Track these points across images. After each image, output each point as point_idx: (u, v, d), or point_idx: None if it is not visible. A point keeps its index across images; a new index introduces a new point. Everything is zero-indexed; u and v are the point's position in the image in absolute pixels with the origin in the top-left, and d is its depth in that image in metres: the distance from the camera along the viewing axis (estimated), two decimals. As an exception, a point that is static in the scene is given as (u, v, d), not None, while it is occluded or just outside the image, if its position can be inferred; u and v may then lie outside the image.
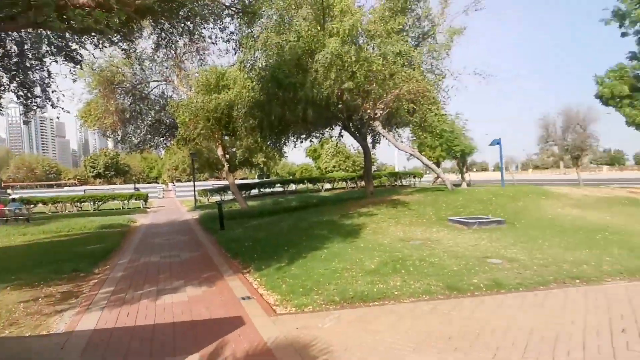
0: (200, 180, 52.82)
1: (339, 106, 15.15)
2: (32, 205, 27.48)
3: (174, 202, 38.13)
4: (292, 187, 36.92)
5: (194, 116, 19.12)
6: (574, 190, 17.21)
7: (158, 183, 65.31)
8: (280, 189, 37.16)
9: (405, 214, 13.65)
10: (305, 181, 37.55)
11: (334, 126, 19.54)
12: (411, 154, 18.13)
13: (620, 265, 7.00)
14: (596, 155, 72.11)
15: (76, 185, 65.26)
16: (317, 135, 20.63)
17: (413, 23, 17.50)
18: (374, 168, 68.78)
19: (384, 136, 16.71)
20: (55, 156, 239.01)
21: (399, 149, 17.91)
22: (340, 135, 22.10)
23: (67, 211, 27.52)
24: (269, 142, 19.37)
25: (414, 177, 39.55)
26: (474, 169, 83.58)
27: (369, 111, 15.02)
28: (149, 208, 29.38)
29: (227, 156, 23.09)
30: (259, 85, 15.36)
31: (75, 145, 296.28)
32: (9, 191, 50.60)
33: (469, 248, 8.85)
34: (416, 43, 17.89)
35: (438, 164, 47.93)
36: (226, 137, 23.75)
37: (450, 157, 45.21)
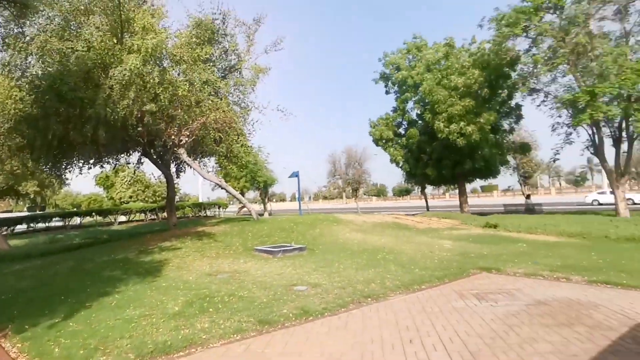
0: None
1: (139, 129, 13.60)
2: None
3: None
4: (77, 220, 30.98)
5: None
6: (357, 218, 19.99)
7: None
8: (60, 224, 30.61)
9: (212, 246, 13.05)
10: (94, 213, 32.07)
11: (132, 151, 17.44)
12: (217, 184, 17.75)
13: (398, 281, 8.24)
14: (368, 188, 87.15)
15: None
16: (111, 160, 18.00)
17: (220, 55, 17.58)
18: (177, 198, 65.05)
19: (189, 165, 15.82)
20: None
21: (204, 178, 17.27)
22: (140, 162, 19.98)
23: None
24: (43, 166, 15.74)
25: (219, 207, 39.02)
26: (274, 199, 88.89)
27: (173, 137, 13.99)
28: None
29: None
30: (32, 97, 12.44)
31: None
32: None
33: (275, 277, 8.95)
34: (223, 75, 17.97)
35: (242, 194, 49.01)
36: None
37: (254, 187, 46.82)
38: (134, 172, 20.01)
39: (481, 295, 7.00)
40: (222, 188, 17.01)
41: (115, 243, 15.96)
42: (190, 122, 14.00)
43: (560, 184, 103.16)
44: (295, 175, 28.09)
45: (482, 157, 22.36)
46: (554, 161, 22.01)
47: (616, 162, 19.43)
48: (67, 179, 18.03)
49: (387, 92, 27.37)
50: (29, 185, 45.51)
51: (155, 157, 18.50)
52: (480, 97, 21.13)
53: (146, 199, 66.12)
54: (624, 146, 19.33)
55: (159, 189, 69.43)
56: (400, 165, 24.38)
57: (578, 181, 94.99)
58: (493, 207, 35.57)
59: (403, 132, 25.20)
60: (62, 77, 11.67)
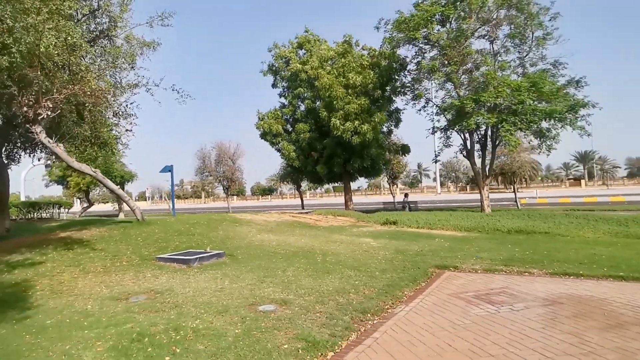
0: None
1: None
2: None
3: None
4: None
5: None
6: (255, 217, 18.10)
7: None
8: None
9: (92, 257, 9.67)
10: None
11: None
12: (94, 177, 13.56)
13: (374, 288, 7.09)
14: (240, 186, 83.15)
15: None
16: None
17: (87, 15, 13.56)
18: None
19: (48, 148, 11.49)
20: None
21: (73, 168, 12.97)
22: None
23: None
24: None
25: (60, 207, 31.53)
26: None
27: (26, 110, 9.82)
28: None
29: None
30: None
31: None
32: None
33: (218, 295, 6.77)
34: (90, 40, 13.90)
35: (87, 192, 41.01)
36: None
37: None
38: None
39: (484, 298, 6.33)
40: (98, 181, 13.02)
41: None
42: (54, 90, 10.15)
43: (397, 185, 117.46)
44: (168, 169, 24.51)
45: (370, 156, 22.91)
46: (435, 162, 24.04)
47: (482, 165, 22.14)
48: None
49: (274, 86, 25.95)
50: None
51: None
52: (373, 97, 21.56)
53: None
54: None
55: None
56: (290, 161, 23.22)
57: (413, 183, 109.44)
58: (371, 205, 37.64)
59: (292, 127, 24.14)
60: None
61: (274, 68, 25.25)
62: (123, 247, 10.76)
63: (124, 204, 41.40)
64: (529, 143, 20.44)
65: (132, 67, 13.90)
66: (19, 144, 16.35)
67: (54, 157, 19.64)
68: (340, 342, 4.75)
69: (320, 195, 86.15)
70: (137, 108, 13.41)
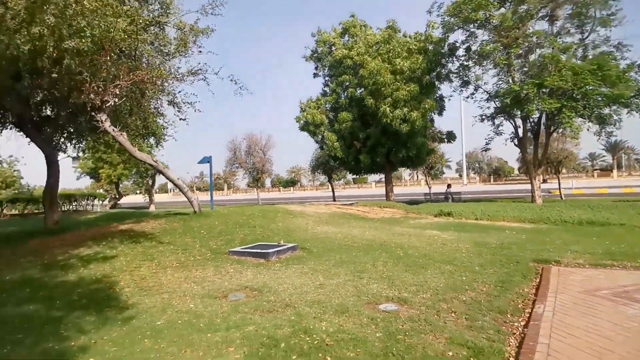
0: None
1: (54, 75, 8.57)
2: None
3: None
4: None
5: None
6: (304, 209, 17.51)
7: None
8: None
9: (162, 251, 9.20)
10: None
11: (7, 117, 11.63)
12: (155, 168, 13.07)
13: (488, 285, 6.37)
14: (272, 177, 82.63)
15: None
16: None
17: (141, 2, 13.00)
18: (11, 190, 52.03)
19: (113, 137, 11.00)
20: None
21: (135, 157, 12.51)
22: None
23: None
24: None
25: (95, 198, 31.60)
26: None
27: (92, 96, 9.34)
28: None
29: None
30: None
31: None
32: None
33: (323, 292, 6.17)
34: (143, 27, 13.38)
35: (117, 184, 41.22)
36: None
37: (135, 176, 39.69)
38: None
39: (627, 296, 5.59)
40: (159, 172, 12.53)
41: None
42: (120, 76, 9.65)
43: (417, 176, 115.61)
44: (207, 160, 24.05)
45: (415, 145, 22.02)
46: (486, 150, 23.02)
47: (534, 154, 21.02)
48: None
49: (315, 75, 25.20)
50: None
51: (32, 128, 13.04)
52: (422, 83, 20.60)
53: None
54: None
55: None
56: (333, 151, 22.46)
57: (436, 174, 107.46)
58: (411, 196, 36.73)
59: (334, 116, 23.34)
60: None
61: (316, 54, 24.42)
62: (189, 240, 10.28)
63: (154, 196, 41.55)
64: (587, 130, 19.21)
65: (185, 55, 13.29)
66: (65, 135, 16.07)
67: (84, 149, 19.39)
68: (504, 348, 4.09)
69: (342, 187, 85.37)
70: (194, 96, 12.76)
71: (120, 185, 40.88)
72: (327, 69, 24.10)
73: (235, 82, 13.07)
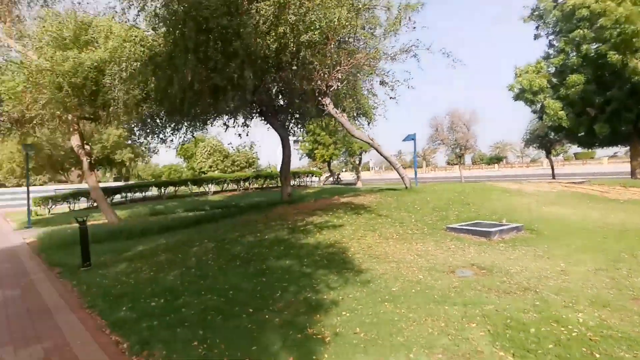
0: (36, 185, 40.62)
1: (294, 68, 10.24)
2: None
3: (-6, 215, 27.23)
4: (170, 190, 29.81)
5: (34, 84, 12.06)
6: (523, 186, 15.67)
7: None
8: (153, 194, 29.80)
9: (381, 223, 9.72)
10: (189, 183, 30.77)
11: (249, 108, 14.39)
12: (371, 145, 14.07)
13: None
14: (476, 153, 78.80)
15: None
16: (228, 116, 15.26)
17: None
18: (251, 169, 63.91)
19: (334, 118, 12.42)
20: None
21: (354, 136, 13.91)
22: (246, 124, 17.12)
23: None
24: (171, 122, 13.43)
25: (313, 175, 36.23)
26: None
27: (319, 82, 10.59)
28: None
29: (88, 147, 15.91)
30: (162, 29, 9.59)
31: None
32: None
33: (570, 280, 5.33)
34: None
35: (329, 163, 46.05)
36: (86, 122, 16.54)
37: (344, 155, 43.56)
38: (246, 134, 17.12)
39: None
40: (374, 149, 13.44)
41: (235, 218, 13.34)
42: (341, 61, 10.50)
43: None
44: (412, 138, 23.89)
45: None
46: None
47: None
48: (191, 138, 15.70)
49: (536, 37, 21.85)
50: (125, 153, 46.33)
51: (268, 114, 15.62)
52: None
53: (225, 168, 66.42)
54: None
55: (237, 158, 69.52)
56: (557, 120, 19.19)
57: None
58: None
59: (559, 81, 19.79)
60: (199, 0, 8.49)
61: (537, 12, 21.10)
62: (404, 214, 10.55)
63: (361, 173, 44.61)
64: None
65: (396, 34, 13.37)
66: (293, 121, 18.71)
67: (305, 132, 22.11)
68: None
69: (561, 164, 72.93)
70: (407, 73, 12.77)
71: (332, 164, 45.66)
72: (551, 26, 20.47)
73: (448, 55, 12.50)
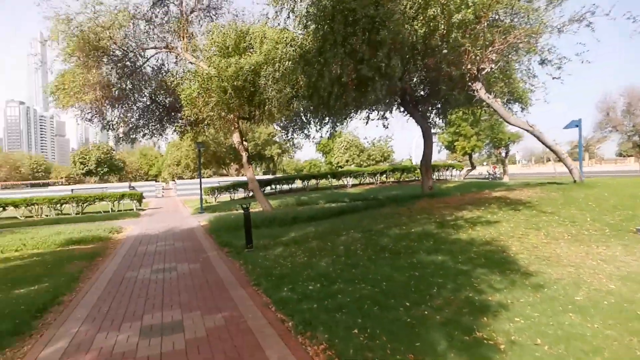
0: (204, 177, 47.70)
1: (445, 52, 9.72)
2: (0, 209, 22.40)
3: (174, 201, 32.95)
4: (312, 182, 31.65)
5: (205, 89, 14.01)
6: None
7: (157, 181, 60.07)
8: (297, 186, 32.18)
9: (546, 221, 8.46)
10: (329, 176, 32.28)
11: (390, 99, 14.14)
12: (531, 133, 12.56)
13: None
14: None
15: (63, 184, 59.54)
16: (370, 108, 15.35)
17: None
18: (386, 163, 63.42)
19: (488, 105, 11.41)
20: (54, 156, 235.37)
21: (510, 123, 12.66)
22: (384, 117, 16.85)
23: (43, 215, 22.39)
24: (317, 117, 14.28)
25: (453, 169, 34.24)
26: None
27: (469, 66, 9.76)
28: (143, 210, 24.24)
29: (246, 143, 17.86)
30: (310, 28, 10.10)
31: (75, 144, 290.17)
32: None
33: None
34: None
35: (471, 156, 42.84)
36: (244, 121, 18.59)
37: (489, 146, 40.05)
38: (385, 127, 16.93)
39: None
40: (535, 137, 11.94)
41: (379, 210, 13.29)
42: (495, 40, 9.45)
43: None
44: (576, 125, 20.44)
45: None
46: None
47: None
48: (331, 133, 16.39)
49: None
50: (273, 149, 51.30)
51: (412, 103, 15.09)
52: None
53: (360, 162, 67.61)
54: None
55: (372, 152, 70.12)
56: None
57: None
58: None
59: None
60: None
61: None
62: (575, 212, 9.01)
63: (507, 167, 40.40)
64: None
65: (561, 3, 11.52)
66: (434, 111, 17.80)
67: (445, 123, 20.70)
68: None
69: None
70: (581, 45, 10.86)
71: (475, 155, 42.36)
72: None
73: (634, 20, 10.22)
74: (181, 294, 5.86)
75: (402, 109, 16.57)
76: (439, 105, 17.04)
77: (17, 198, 23.10)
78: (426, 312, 4.36)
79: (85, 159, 67.41)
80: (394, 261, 6.60)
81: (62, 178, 71.45)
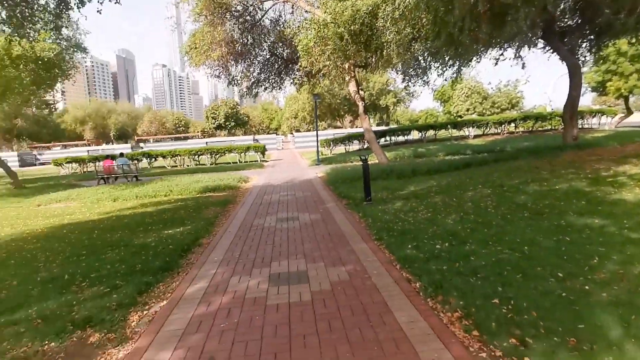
0: (319, 130, 48.97)
1: None
2: (153, 159, 26.26)
3: (292, 154, 34.60)
4: (429, 134, 29.95)
5: (320, 37, 13.73)
6: None
7: (277, 134, 63.76)
8: (413, 138, 30.84)
9: None
10: (449, 127, 30.16)
11: (537, 29, 12.02)
12: None
13: None
14: None
15: (199, 137, 67.03)
16: (503, 45, 13.43)
17: None
18: (513, 110, 56.58)
19: None
20: (191, 112, 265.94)
21: None
22: (519, 56, 14.47)
23: (185, 165, 25.56)
24: (439, 60, 13.16)
25: (602, 115, 28.94)
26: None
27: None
28: (266, 161, 25.92)
29: (362, 93, 17.39)
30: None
31: (207, 101, 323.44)
32: (141, 144, 53.56)
33: None
34: None
35: (627, 99, 35.59)
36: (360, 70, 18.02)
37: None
38: (521, 66, 14.71)
39: None
40: None
41: (510, 163, 11.85)
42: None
43: None
44: None
45: None
46: None
47: None
48: (456, 75, 15.04)
49: None
50: (388, 98, 49.90)
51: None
52: None
53: (483, 111, 61.74)
54: None
55: (498, 99, 63.33)
56: None
57: None
58: None
59: None
60: None
61: None
62: None
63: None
64: None
65: None
66: (584, 44, 14.76)
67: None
68: None
69: None
70: None
71: (631, 99, 35.08)
72: None
73: None
74: (304, 243, 5.97)
75: (543, 43, 14.13)
76: (592, 36, 14.07)
77: (165, 150, 26.71)
78: (586, 287, 3.61)
79: (215, 114, 74.58)
80: (535, 222, 5.72)
81: (198, 132, 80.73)
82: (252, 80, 20.66)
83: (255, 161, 25.18)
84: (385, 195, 9.08)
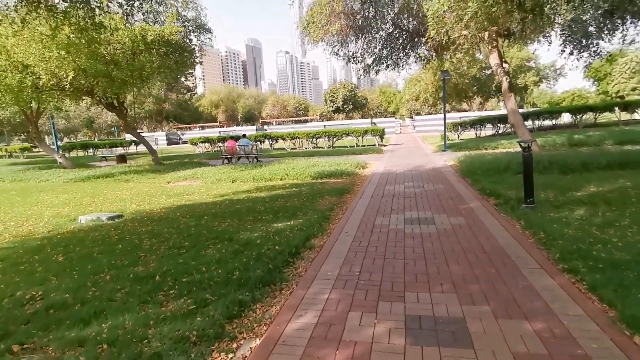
0: (440, 113, 45.07)
1: None
2: (274, 141, 26.69)
3: (413, 138, 32.00)
4: (587, 117, 24.58)
5: (457, 1, 11.40)
6: None
7: (395, 118, 61.01)
8: (562, 122, 25.76)
9: None
10: (616, 109, 24.36)
11: None
12: None
13: None
14: None
15: (317, 120, 67.77)
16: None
17: None
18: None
19: None
20: (311, 97, 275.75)
21: None
22: None
23: (303, 148, 25.32)
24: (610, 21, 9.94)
25: None
26: None
27: None
28: (384, 146, 24.14)
29: (506, 66, 14.46)
30: None
31: (326, 86, 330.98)
32: (265, 127, 56.08)
33: None
34: None
35: None
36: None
37: None
38: None
39: None
40: None
41: None
42: None
43: None
44: None
45: None
46: None
47: None
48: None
49: None
50: (528, 76, 43.52)
51: None
52: None
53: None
54: None
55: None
56: None
57: None
58: None
59: None
60: None
61: None
62: None
63: None
64: None
65: None
66: None
67: None
68: None
69: None
70: None
71: None
72: None
73: None
74: (450, 263, 4.27)
75: None
76: None
77: (285, 132, 26.90)
78: None
79: (334, 96, 74.80)
80: None
81: (317, 115, 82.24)
82: (374, 57, 19.00)
83: (373, 145, 23.64)
84: (552, 196, 6.74)
